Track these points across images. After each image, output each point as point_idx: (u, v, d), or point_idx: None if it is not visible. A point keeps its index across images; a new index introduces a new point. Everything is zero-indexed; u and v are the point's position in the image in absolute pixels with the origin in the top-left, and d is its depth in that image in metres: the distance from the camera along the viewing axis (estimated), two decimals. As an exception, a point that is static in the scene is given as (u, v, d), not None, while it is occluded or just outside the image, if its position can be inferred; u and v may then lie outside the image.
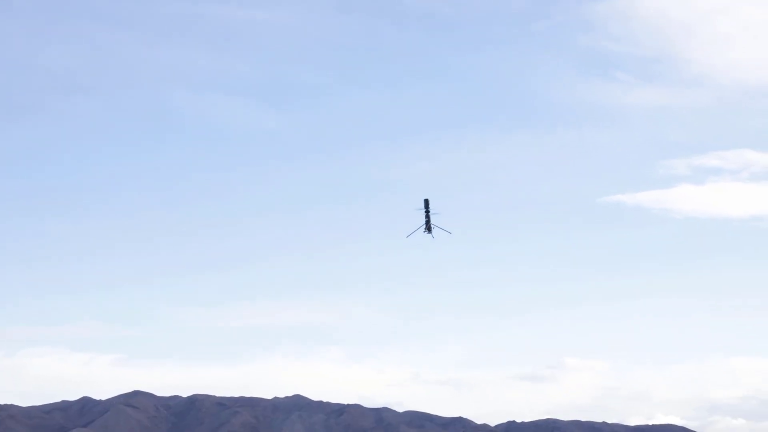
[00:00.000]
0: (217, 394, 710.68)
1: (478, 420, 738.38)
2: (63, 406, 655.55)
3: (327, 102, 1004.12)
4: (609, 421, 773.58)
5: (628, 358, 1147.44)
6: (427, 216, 76.12)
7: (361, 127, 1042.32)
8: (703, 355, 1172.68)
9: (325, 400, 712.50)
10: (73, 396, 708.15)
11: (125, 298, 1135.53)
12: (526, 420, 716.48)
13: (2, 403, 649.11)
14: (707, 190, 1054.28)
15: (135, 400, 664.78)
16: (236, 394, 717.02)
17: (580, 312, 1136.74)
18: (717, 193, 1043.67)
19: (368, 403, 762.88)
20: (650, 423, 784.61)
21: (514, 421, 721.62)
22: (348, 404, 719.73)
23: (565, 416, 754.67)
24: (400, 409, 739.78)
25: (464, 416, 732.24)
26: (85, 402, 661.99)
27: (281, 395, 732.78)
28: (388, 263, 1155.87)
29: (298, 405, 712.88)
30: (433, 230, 74.20)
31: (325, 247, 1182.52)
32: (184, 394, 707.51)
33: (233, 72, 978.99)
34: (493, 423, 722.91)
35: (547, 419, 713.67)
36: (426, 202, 78.64)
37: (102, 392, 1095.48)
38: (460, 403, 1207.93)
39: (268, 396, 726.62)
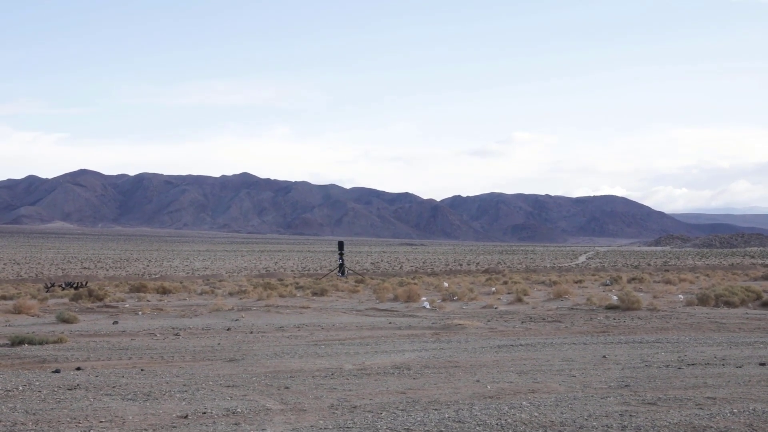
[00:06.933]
0: (165, 173, 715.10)
1: (425, 195, 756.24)
2: (9, 185, 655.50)
3: None
4: (553, 194, 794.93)
5: (576, 133, 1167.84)
6: (341, 259, 76.04)
7: None
8: (648, 127, 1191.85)
9: (272, 178, 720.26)
10: (19, 174, 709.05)
11: (71, 77, 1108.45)
12: (472, 194, 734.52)
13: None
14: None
15: (82, 178, 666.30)
16: (184, 173, 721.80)
17: (530, 87, 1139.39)
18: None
19: (316, 180, 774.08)
20: (594, 194, 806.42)
21: (459, 196, 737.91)
22: (295, 181, 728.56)
23: (510, 190, 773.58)
24: (348, 186, 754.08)
25: (411, 192, 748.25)
26: (32, 180, 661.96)
27: (229, 173, 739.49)
28: (336, 44, 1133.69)
29: (246, 183, 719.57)
30: (346, 273, 73.57)
31: (275, 29, 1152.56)
32: (132, 173, 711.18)
33: None
34: (439, 198, 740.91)
35: (492, 193, 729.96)
36: (340, 244, 77.70)
37: (48, 171, 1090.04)
38: (408, 178, 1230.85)
39: (216, 174, 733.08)
